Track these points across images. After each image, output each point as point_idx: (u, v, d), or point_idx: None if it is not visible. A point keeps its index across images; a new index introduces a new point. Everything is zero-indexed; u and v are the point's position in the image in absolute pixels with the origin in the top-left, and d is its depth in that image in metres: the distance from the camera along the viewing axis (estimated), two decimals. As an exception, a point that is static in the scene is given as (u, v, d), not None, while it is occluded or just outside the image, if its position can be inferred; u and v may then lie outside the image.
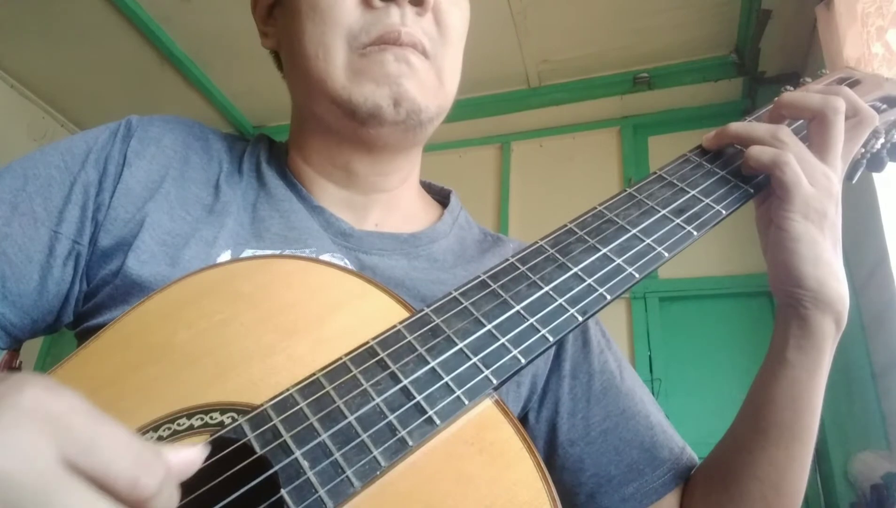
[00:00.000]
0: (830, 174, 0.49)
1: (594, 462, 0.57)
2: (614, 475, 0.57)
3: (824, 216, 0.48)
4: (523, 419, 0.60)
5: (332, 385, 0.38)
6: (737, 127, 0.53)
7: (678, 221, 0.48)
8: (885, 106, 0.57)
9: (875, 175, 1.46)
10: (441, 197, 0.71)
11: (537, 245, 0.47)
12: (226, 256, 0.52)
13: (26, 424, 0.23)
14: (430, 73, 0.56)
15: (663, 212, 0.49)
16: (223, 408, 0.38)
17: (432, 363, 0.39)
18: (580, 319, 0.42)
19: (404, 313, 0.43)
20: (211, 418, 0.37)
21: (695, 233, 0.47)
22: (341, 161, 0.60)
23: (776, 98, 0.55)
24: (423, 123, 0.56)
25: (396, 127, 0.55)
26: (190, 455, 0.29)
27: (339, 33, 0.53)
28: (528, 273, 0.45)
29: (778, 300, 0.51)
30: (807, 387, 0.50)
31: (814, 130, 0.51)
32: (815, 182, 0.48)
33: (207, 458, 0.35)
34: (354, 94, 0.53)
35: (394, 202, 0.63)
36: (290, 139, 0.64)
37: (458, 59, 0.60)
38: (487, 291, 0.44)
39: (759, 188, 0.50)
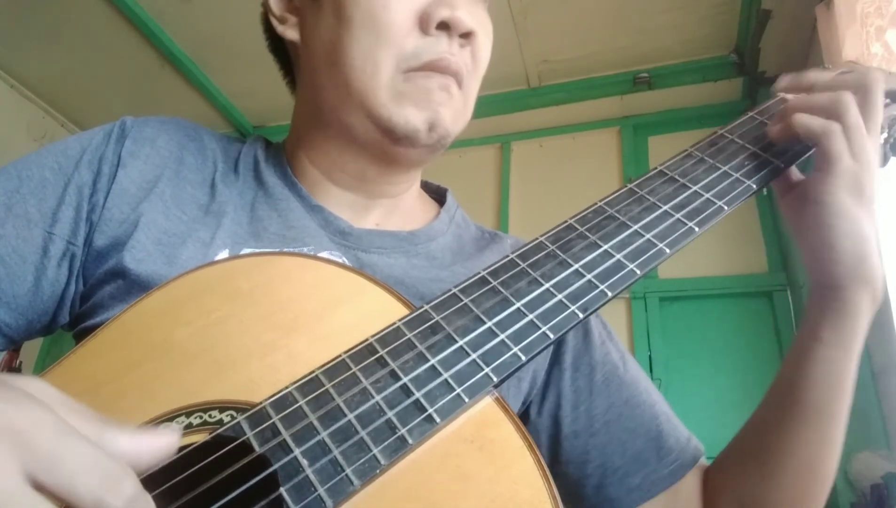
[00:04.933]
0: (870, 148, 0.49)
1: (599, 453, 0.57)
2: (619, 465, 0.57)
3: (863, 191, 0.48)
4: (525, 413, 0.60)
5: (332, 383, 0.38)
6: (810, 75, 0.54)
7: (679, 216, 0.48)
8: (887, 101, 0.57)
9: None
10: (437, 196, 0.71)
11: (537, 241, 0.47)
12: (223, 255, 0.52)
13: None
14: (461, 100, 0.57)
15: (665, 208, 0.48)
16: (222, 406, 0.37)
17: (432, 361, 0.39)
18: (581, 316, 0.42)
19: (403, 310, 0.43)
20: (210, 416, 0.37)
21: (696, 229, 0.47)
22: (354, 169, 0.60)
23: (812, 78, 0.54)
24: (445, 145, 0.58)
25: (426, 148, 0.57)
26: (162, 442, 0.29)
27: (391, 52, 0.53)
28: (529, 270, 0.44)
29: (813, 279, 0.51)
30: (842, 366, 0.50)
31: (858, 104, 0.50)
32: (858, 157, 0.48)
33: (206, 456, 0.34)
34: (395, 114, 0.54)
35: (396, 205, 0.63)
36: (295, 138, 0.63)
37: (478, 88, 0.61)
38: (487, 287, 0.43)
39: (762, 184, 0.50)
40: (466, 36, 0.55)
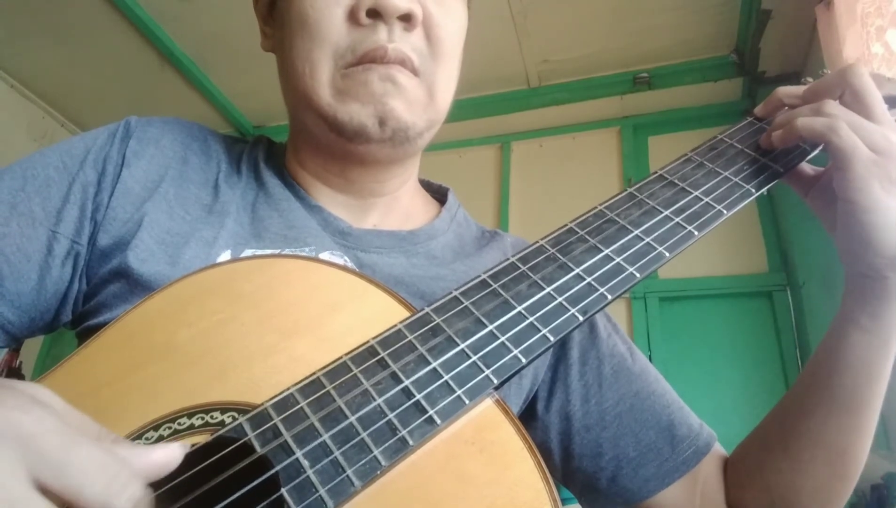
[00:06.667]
0: (889, 134, 0.47)
1: (612, 445, 0.57)
2: (633, 456, 0.57)
3: (892, 179, 0.46)
4: (530, 411, 0.60)
5: (333, 385, 0.38)
6: (786, 89, 0.53)
7: (679, 220, 0.48)
8: (885, 106, 0.57)
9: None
10: (439, 195, 0.71)
11: (538, 245, 0.47)
12: (226, 256, 0.52)
13: None
14: (418, 89, 0.54)
15: (665, 212, 0.49)
16: (224, 407, 0.38)
17: (433, 363, 0.39)
18: (581, 318, 0.42)
19: (404, 313, 0.43)
20: (212, 417, 0.37)
21: (696, 233, 0.47)
22: (336, 169, 0.60)
23: (801, 92, 0.54)
24: (412, 138, 0.56)
25: (384, 144, 0.55)
26: (165, 456, 0.29)
27: (325, 51, 0.53)
28: (529, 273, 0.45)
29: (850, 271, 0.50)
30: (880, 353, 0.49)
31: (850, 101, 0.50)
32: (875, 146, 0.46)
33: (208, 457, 0.35)
34: (340, 112, 0.53)
35: (393, 204, 0.63)
36: (288, 141, 0.64)
37: (452, 72, 0.59)
38: (488, 290, 0.44)
39: (761, 188, 0.50)
40: (406, 19, 0.53)
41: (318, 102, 0.54)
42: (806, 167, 0.55)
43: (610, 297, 0.43)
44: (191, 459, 0.34)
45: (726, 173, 0.51)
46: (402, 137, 0.54)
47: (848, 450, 0.51)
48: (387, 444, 0.36)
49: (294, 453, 0.35)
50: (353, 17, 0.52)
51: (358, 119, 0.53)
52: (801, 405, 0.53)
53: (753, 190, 0.50)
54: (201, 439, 0.36)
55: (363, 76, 0.52)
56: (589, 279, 0.44)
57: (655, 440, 0.57)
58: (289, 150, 0.63)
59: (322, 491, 0.33)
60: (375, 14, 0.52)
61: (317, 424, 0.36)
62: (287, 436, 0.36)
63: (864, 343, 0.49)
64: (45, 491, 0.24)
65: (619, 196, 0.50)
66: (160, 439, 0.36)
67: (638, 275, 0.44)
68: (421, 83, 0.55)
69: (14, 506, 0.23)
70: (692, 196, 0.50)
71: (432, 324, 0.41)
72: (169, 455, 0.30)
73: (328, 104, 0.53)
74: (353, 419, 0.36)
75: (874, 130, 0.47)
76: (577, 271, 0.45)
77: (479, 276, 0.45)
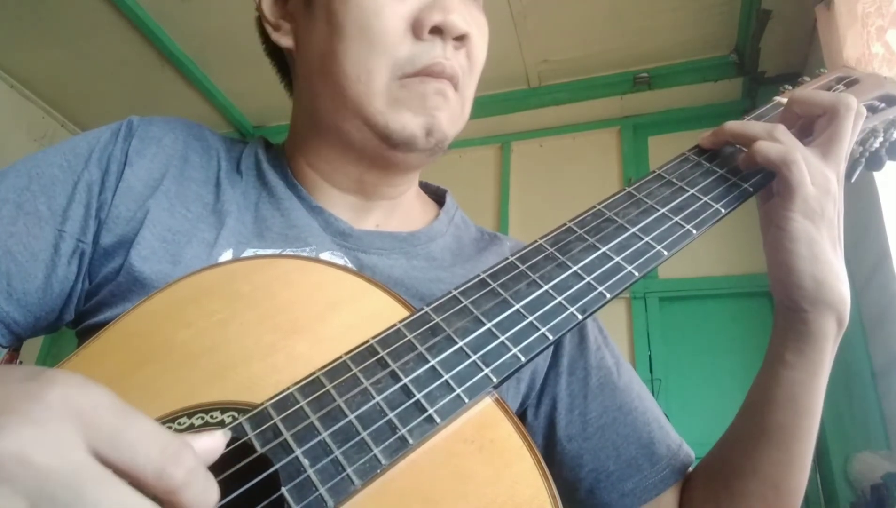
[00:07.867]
0: (828, 173, 0.49)
1: (592, 457, 0.58)
2: (612, 470, 0.57)
3: (822, 215, 0.48)
4: (522, 415, 0.61)
5: (333, 384, 0.38)
6: (733, 125, 0.53)
7: (677, 219, 0.48)
8: (883, 105, 0.57)
9: (876, 174, 1.46)
10: (437, 197, 0.71)
11: (537, 244, 0.47)
12: (227, 255, 0.52)
13: (56, 419, 0.25)
14: (457, 103, 0.57)
15: (662, 211, 0.49)
16: (224, 407, 0.38)
17: (432, 362, 0.39)
18: (580, 317, 0.42)
19: (404, 312, 0.43)
20: (212, 417, 0.37)
21: (694, 231, 0.47)
22: (354, 173, 0.60)
23: (789, 95, 0.55)
24: (445, 148, 0.58)
25: (424, 153, 0.57)
26: (211, 443, 0.30)
27: (385, 61, 0.53)
28: (528, 272, 0.45)
29: (777, 302, 0.51)
30: (807, 389, 0.50)
31: (822, 126, 0.51)
32: (814, 181, 0.48)
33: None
34: (392, 121, 0.54)
35: (396, 206, 0.64)
36: (293, 142, 0.64)
37: (475, 87, 0.62)
38: (487, 289, 0.44)
39: (758, 187, 0.50)
40: (460, 39, 0.55)
41: (368, 108, 0.54)
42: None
43: (609, 296, 0.43)
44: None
45: (723, 172, 0.51)
46: (440, 147, 0.57)
47: (782, 484, 0.51)
48: (386, 443, 0.36)
49: (294, 452, 0.35)
50: (416, 30, 0.54)
51: (410, 129, 0.54)
52: (735, 441, 0.54)
53: (751, 189, 0.50)
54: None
55: (420, 88, 0.54)
56: (588, 278, 0.44)
57: (636, 456, 0.58)
58: (295, 150, 0.63)
59: (322, 490, 0.33)
60: (437, 30, 0.54)
61: (316, 423, 0.36)
62: (287, 435, 0.36)
63: (790, 380, 0.50)
64: (104, 462, 0.25)
65: (618, 195, 0.50)
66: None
67: (636, 274, 0.44)
68: (458, 97, 0.57)
69: (81, 481, 0.24)
70: (690, 195, 0.50)
71: (431, 323, 0.41)
72: (214, 443, 0.30)
73: (380, 112, 0.54)
74: (352, 417, 0.37)
75: (816, 165, 0.49)
76: (575, 269, 0.45)
77: (479, 275, 0.45)
